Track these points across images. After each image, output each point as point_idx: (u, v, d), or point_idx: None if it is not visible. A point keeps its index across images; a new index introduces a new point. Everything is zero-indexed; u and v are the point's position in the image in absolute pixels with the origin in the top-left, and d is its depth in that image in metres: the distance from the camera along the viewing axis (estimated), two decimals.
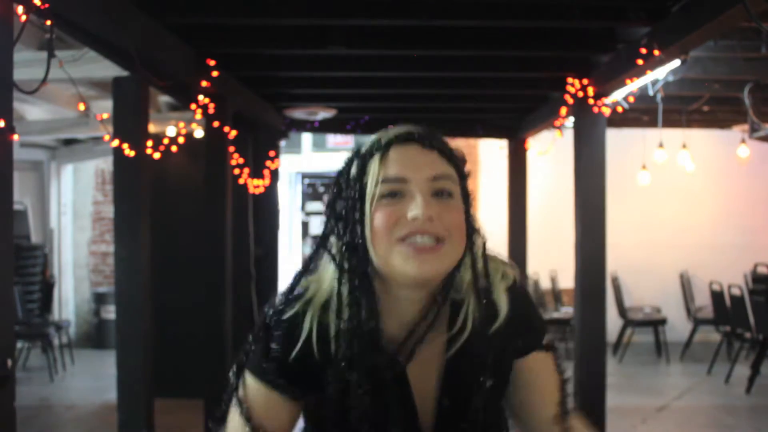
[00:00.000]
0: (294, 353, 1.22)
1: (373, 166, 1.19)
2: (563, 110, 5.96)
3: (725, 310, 8.10)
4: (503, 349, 1.29)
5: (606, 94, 5.53)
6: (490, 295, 1.27)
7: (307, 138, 10.96)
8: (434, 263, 1.17)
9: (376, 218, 1.17)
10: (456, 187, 1.22)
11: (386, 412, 1.21)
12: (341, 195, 1.23)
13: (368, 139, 1.25)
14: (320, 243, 1.26)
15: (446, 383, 1.27)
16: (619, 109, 6.57)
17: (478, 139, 9.85)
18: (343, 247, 1.21)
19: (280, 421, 1.25)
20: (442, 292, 1.23)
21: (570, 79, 5.58)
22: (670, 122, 8.05)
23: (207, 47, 5.04)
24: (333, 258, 1.23)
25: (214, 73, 5.12)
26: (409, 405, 1.25)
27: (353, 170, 1.22)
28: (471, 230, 1.24)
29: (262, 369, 1.25)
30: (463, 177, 1.25)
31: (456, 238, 1.19)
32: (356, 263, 1.20)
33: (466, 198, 1.24)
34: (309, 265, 1.27)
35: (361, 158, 1.22)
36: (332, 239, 1.25)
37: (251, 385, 1.26)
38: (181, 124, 5.95)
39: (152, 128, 5.28)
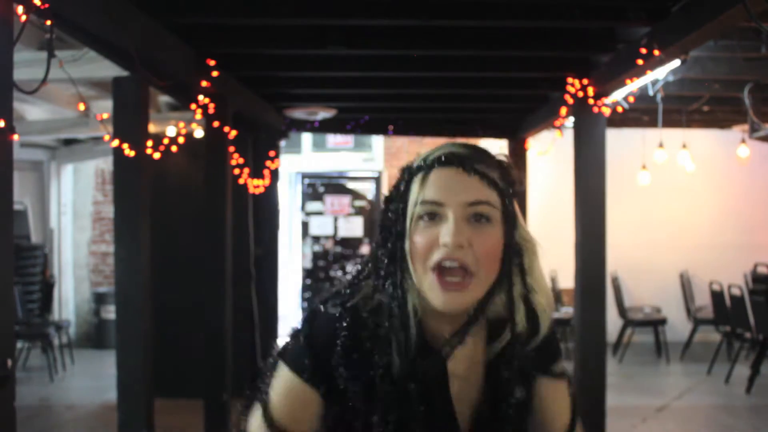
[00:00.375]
0: (335, 354, 1.23)
1: (415, 185, 1.23)
2: (563, 110, 5.96)
3: (725, 310, 8.09)
4: (532, 364, 1.33)
5: (606, 94, 5.53)
6: (532, 310, 1.28)
7: (307, 138, 10.96)
8: (459, 299, 1.20)
9: (414, 241, 1.21)
10: (495, 211, 1.22)
11: (421, 419, 1.22)
12: (390, 208, 1.27)
13: (422, 153, 1.29)
14: (372, 252, 1.30)
15: (485, 392, 1.29)
16: (619, 109, 6.57)
17: (478, 139, 9.85)
18: (383, 257, 1.25)
19: (304, 422, 1.25)
20: (477, 313, 1.25)
21: (570, 79, 5.58)
22: (670, 122, 8.05)
23: (207, 47, 5.04)
24: (374, 266, 1.27)
25: (214, 73, 5.12)
26: (448, 410, 1.27)
27: (401, 186, 1.26)
28: (510, 253, 1.24)
29: (302, 363, 1.25)
30: (507, 198, 1.25)
31: (485, 268, 1.20)
32: (392, 272, 1.23)
33: (509, 220, 1.25)
34: (362, 271, 1.31)
35: (407, 175, 1.26)
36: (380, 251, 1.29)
37: (286, 378, 1.26)
38: (181, 124, 5.94)
39: (152, 128, 5.28)
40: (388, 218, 1.26)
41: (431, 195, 1.21)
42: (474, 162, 1.23)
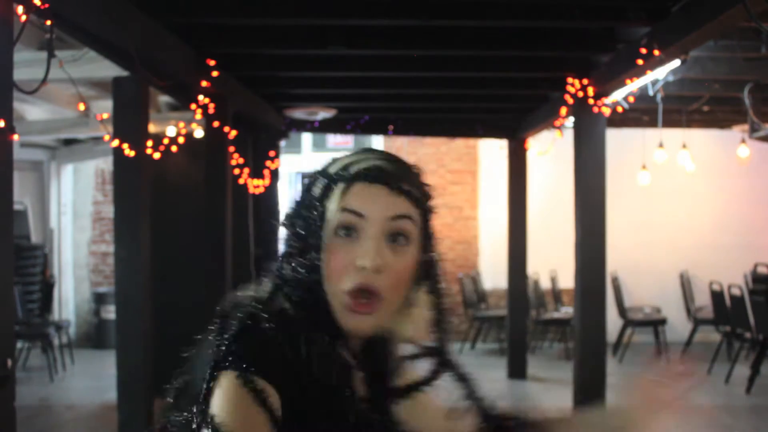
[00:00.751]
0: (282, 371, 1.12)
1: (335, 195, 1.17)
2: (563, 110, 5.96)
3: (725, 310, 8.09)
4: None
5: (606, 94, 5.53)
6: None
7: (307, 138, 10.96)
8: (367, 323, 1.16)
9: (330, 258, 1.15)
10: (415, 229, 1.19)
11: None
12: (302, 214, 1.20)
13: (336, 161, 1.21)
14: (283, 261, 1.21)
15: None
16: (619, 109, 6.57)
17: (478, 139, 9.86)
18: (299, 270, 1.18)
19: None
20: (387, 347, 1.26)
21: (570, 79, 5.59)
22: (670, 122, 8.05)
23: (207, 47, 5.04)
24: (288, 278, 1.19)
25: (214, 73, 5.12)
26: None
27: (317, 190, 1.19)
28: (424, 273, 1.22)
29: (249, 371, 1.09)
30: (428, 216, 1.22)
31: (396, 293, 1.18)
32: (312, 287, 1.16)
33: (427, 238, 1.22)
34: (278, 279, 1.21)
35: (326, 182, 1.19)
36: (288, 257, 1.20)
37: (234, 392, 1.08)
38: (181, 124, 5.94)
39: (152, 128, 5.28)
40: (303, 225, 1.18)
41: (354, 205, 1.15)
42: (399, 178, 1.18)
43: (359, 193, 1.16)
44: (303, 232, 1.18)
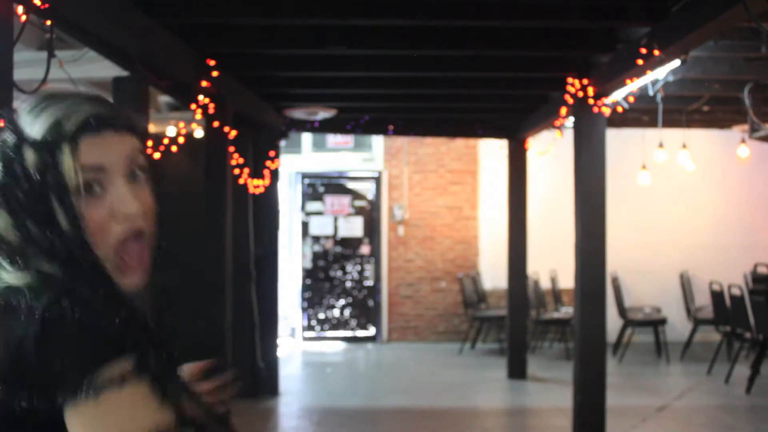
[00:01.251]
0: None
1: (65, 156, 1.07)
2: (563, 110, 5.96)
3: (725, 310, 8.09)
4: None
5: (606, 94, 5.53)
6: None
7: (307, 138, 10.96)
8: (144, 278, 1.16)
9: (87, 221, 1.07)
10: (144, 158, 1.16)
11: None
12: (23, 190, 1.06)
13: (31, 121, 1.09)
14: (24, 246, 1.06)
15: None
16: (619, 109, 6.57)
17: (478, 139, 9.86)
18: (55, 244, 1.06)
19: None
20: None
21: (570, 79, 5.59)
22: (670, 122, 8.05)
23: (207, 47, 5.04)
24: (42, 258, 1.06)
25: (214, 73, 5.12)
26: None
27: (31, 160, 1.06)
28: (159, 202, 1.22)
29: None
30: (145, 147, 1.18)
31: (152, 230, 1.17)
32: (87, 261, 1.08)
33: (154, 169, 1.19)
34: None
35: (41, 146, 1.07)
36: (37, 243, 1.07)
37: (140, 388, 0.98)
38: (181, 124, 5.94)
39: (152, 128, 5.28)
40: (32, 203, 1.06)
41: (92, 160, 1.08)
42: (116, 116, 1.13)
43: (91, 147, 1.09)
44: (40, 210, 1.06)
